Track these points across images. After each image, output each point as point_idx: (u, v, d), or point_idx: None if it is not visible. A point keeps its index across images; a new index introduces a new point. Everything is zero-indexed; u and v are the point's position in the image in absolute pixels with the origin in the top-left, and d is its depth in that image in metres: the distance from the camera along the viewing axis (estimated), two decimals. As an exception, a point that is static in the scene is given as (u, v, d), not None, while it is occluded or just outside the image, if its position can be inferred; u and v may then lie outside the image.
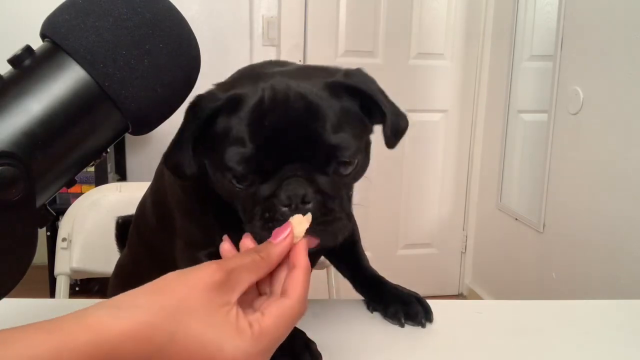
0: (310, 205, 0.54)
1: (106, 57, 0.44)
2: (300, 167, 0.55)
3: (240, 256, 0.51)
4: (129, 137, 2.49)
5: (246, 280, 0.48)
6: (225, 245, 0.55)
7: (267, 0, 2.59)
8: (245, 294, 0.49)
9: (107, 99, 0.45)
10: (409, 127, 0.64)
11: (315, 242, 0.55)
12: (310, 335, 0.66)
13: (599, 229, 1.92)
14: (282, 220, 0.54)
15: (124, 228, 1.02)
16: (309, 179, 0.55)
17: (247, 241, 0.55)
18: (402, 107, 0.64)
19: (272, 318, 0.46)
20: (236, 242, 0.62)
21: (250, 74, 0.62)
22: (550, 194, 2.21)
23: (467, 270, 2.96)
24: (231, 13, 2.64)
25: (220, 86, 0.61)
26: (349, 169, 0.57)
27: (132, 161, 2.73)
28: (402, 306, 0.75)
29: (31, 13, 2.04)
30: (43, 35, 0.46)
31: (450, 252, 2.95)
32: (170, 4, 0.49)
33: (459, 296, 2.96)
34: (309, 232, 0.54)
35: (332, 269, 1.19)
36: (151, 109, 0.48)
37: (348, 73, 0.61)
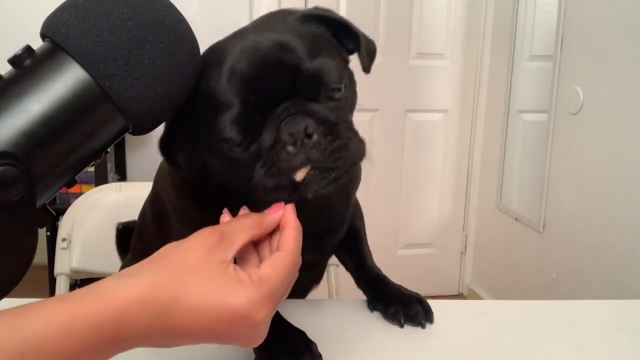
0: (315, 137, 0.52)
1: (106, 57, 0.44)
2: (292, 105, 0.53)
3: (234, 220, 0.53)
4: (129, 137, 2.49)
5: (239, 239, 0.50)
6: (225, 217, 0.55)
7: (267, 0, 2.59)
8: (245, 260, 0.52)
9: (107, 99, 0.45)
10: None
11: (329, 170, 0.53)
12: (310, 335, 0.66)
13: (599, 229, 1.92)
14: (288, 160, 0.52)
15: (125, 234, 1.02)
16: (305, 112, 0.53)
17: (243, 212, 0.55)
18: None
19: (269, 267, 0.49)
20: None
21: (213, 46, 0.59)
22: (550, 194, 2.21)
23: (467, 270, 2.96)
24: (231, 13, 2.64)
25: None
26: (340, 93, 0.55)
27: (132, 161, 2.73)
28: (402, 307, 0.75)
29: (31, 13, 2.04)
30: (43, 36, 0.46)
31: (450, 252, 2.95)
32: (170, 4, 0.49)
33: (459, 296, 2.96)
34: (326, 162, 0.52)
35: (332, 269, 1.19)
36: (151, 109, 0.48)
37: (314, 7, 0.60)
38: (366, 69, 0.62)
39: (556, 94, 2.14)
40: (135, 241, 0.93)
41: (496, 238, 2.71)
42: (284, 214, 0.54)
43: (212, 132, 0.53)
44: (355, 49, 0.61)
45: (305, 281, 0.85)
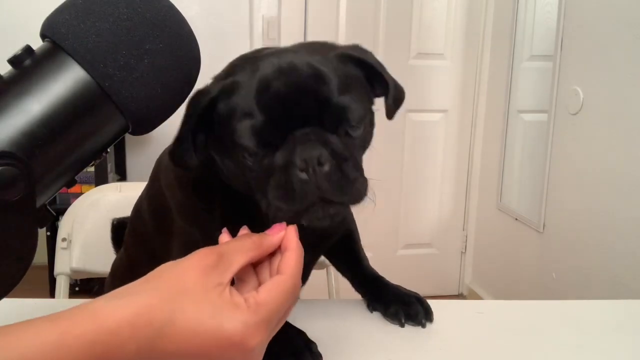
0: (327, 167, 0.54)
1: (106, 57, 0.44)
2: (311, 131, 0.55)
3: (233, 240, 0.52)
4: (129, 137, 2.49)
5: (238, 261, 0.49)
6: (224, 237, 0.55)
7: (267, 0, 2.59)
8: (243, 282, 0.51)
9: (107, 99, 0.45)
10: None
11: (333, 202, 0.55)
12: (310, 335, 0.66)
13: (599, 229, 1.92)
14: (300, 185, 0.53)
15: (120, 229, 1.02)
16: (322, 141, 0.54)
17: (243, 232, 0.55)
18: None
19: (267, 291, 0.48)
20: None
21: (246, 57, 0.62)
22: (550, 194, 2.21)
23: (467, 270, 2.96)
24: (231, 13, 2.64)
25: (216, 77, 0.61)
26: (358, 132, 0.58)
27: (132, 161, 2.73)
28: (402, 306, 0.75)
29: (31, 13, 2.04)
30: (43, 36, 0.46)
31: (450, 252, 2.95)
32: (170, 4, 0.49)
33: (459, 296, 2.96)
34: (327, 192, 0.54)
35: (332, 269, 1.19)
36: (151, 108, 0.48)
37: (354, 46, 0.63)
38: (390, 116, 0.65)
39: (556, 94, 2.14)
40: (128, 236, 0.93)
41: (496, 238, 2.71)
42: (286, 235, 0.53)
43: (231, 135, 0.55)
44: (384, 94, 0.64)
45: None
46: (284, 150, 0.54)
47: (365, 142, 0.61)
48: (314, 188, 0.53)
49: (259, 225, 0.58)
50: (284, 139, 0.55)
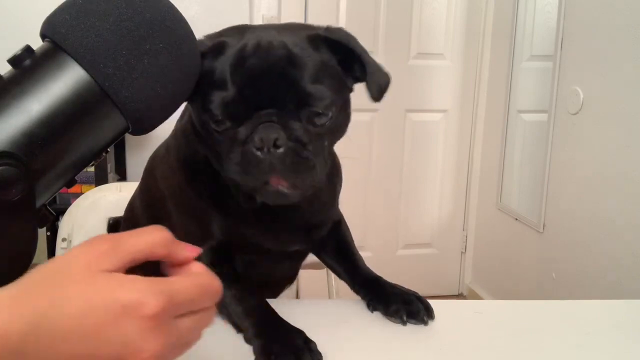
0: (282, 150, 0.56)
1: (106, 57, 0.44)
2: (275, 113, 0.57)
3: (141, 229, 0.45)
4: (129, 137, 2.49)
5: (134, 253, 0.42)
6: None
7: (267, 0, 2.59)
8: None
9: (107, 99, 0.45)
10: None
11: (284, 183, 0.58)
12: (310, 335, 0.66)
13: (599, 229, 1.92)
14: (254, 162, 0.57)
15: (116, 229, 1.02)
16: (283, 125, 0.57)
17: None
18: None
19: (177, 276, 0.43)
20: (234, 224, 0.67)
21: (238, 27, 0.65)
22: (550, 194, 2.21)
23: (467, 270, 2.96)
24: (231, 13, 2.64)
25: (208, 36, 0.63)
26: (323, 120, 0.59)
27: (132, 161, 2.73)
28: (403, 304, 0.75)
29: (31, 13, 2.04)
30: (43, 36, 0.46)
31: (450, 252, 2.95)
32: (170, 4, 0.49)
33: (459, 296, 2.96)
34: (279, 172, 0.57)
35: (332, 269, 1.19)
36: (151, 108, 0.48)
37: (330, 28, 0.63)
38: (375, 98, 0.64)
39: (556, 94, 2.14)
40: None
41: (496, 238, 2.71)
42: (193, 262, 0.46)
43: (204, 98, 0.58)
44: (364, 77, 0.63)
45: (279, 278, 0.87)
46: (247, 126, 0.57)
47: (336, 129, 0.63)
48: (267, 167, 0.57)
49: (249, 210, 0.65)
50: (249, 116, 0.57)
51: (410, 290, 0.78)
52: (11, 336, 0.37)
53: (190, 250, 0.46)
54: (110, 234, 0.44)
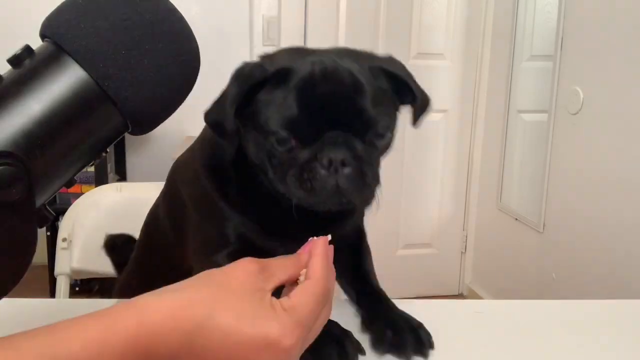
0: (348, 170, 0.59)
1: (106, 57, 0.44)
2: (341, 135, 0.59)
3: (273, 258, 0.54)
4: (129, 137, 2.49)
5: (279, 276, 0.51)
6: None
7: (267, 0, 2.59)
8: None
9: (106, 99, 0.45)
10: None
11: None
12: (310, 335, 0.65)
13: (599, 229, 1.92)
14: (320, 182, 0.59)
15: (115, 247, 1.02)
16: (349, 146, 0.59)
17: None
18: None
19: (297, 296, 0.49)
20: (251, 238, 0.67)
21: (296, 50, 0.68)
22: (550, 194, 2.21)
23: (467, 270, 2.96)
24: (231, 13, 2.64)
25: (267, 58, 0.65)
26: (381, 142, 0.63)
27: (132, 161, 2.73)
28: (390, 333, 0.67)
29: (31, 13, 2.04)
30: (43, 35, 0.46)
31: (450, 252, 2.95)
32: (170, 4, 0.49)
33: (459, 296, 2.96)
34: (343, 191, 0.59)
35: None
36: (151, 109, 0.48)
37: (390, 61, 0.67)
38: (416, 123, 0.69)
39: (556, 94, 2.14)
40: (141, 247, 0.91)
41: (496, 238, 2.71)
42: (313, 242, 0.55)
43: (265, 119, 0.60)
44: (410, 102, 0.68)
45: None
46: (311, 148, 0.59)
47: (386, 150, 0.66)
48: (334, 185, 0.59)
49: (274, 217, 0.66)
50: (315, 138, 0.59)
51: (413, 319, 0.70)
52: (169, 344, 0.42)
53: (306, 251, 0.54)
54: (252, 258, 0.51)
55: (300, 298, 0.48)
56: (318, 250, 0.53)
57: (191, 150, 0.78)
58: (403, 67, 0.68)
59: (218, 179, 0.70)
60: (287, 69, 0.61)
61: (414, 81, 0.67)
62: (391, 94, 0.66)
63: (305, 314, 0.47)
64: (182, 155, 0.81)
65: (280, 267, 0.52)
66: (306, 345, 0.49)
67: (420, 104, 0.68)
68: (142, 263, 0.92)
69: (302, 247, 0.56)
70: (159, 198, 0.86)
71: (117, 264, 1.04)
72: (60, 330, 0.40)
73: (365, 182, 0.61)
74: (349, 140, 0.60)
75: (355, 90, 0.61)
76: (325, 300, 0.50)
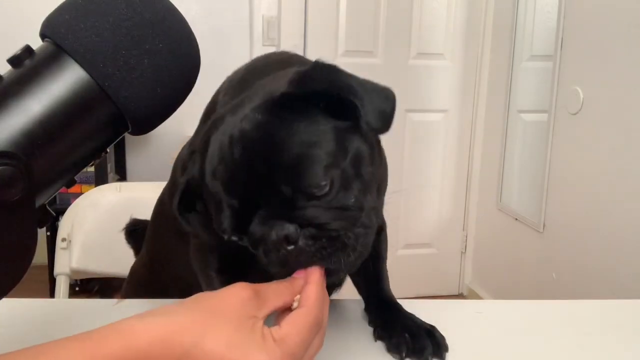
0: (300, 243, 0.51)
1: (106, 57, 0.44)
2: (271, 210, 0.52)
3: (267, 283, 0.52)
4: (129, 137, 2.49)
5: (273, 302, 0.49)
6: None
7: (267, 0, 2.59)
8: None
9: (107, 99, 0.45)
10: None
11: (321, 269, 0.53)
12: (310, 335, 0.65)
13: (599, 228, 1.92)
14: (284, 262, 0.53)
15: (134, 231, 1.01)
16: (289, 217, 0.51)
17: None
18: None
19: (289, 325, 0.48)
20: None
21: (214, 118, 0.59)
22: (550, 194, 2.21)
23: (467, 270, 2.96)
24: (231, 13, 2.64)
25: (189, 146, 0.61)
26: (324, 189, 0.52)
27: (132, 161, 2.73)
28: (407, 338, 0.67)
29: (31, 13, 2.04)
30: (43, 35, 0.46)
31: (450, 252, 2.95)
32: (170, 4, 0.49)
33: (459, 296, 2.96)
34: (311, 264, 0.53)
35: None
36: (151, 108, 0.48)
37: (298, 78, 0.54)
38: (379, 132, 0.56)
39: (556, 94, 2.14)
40: (150, 233, 0.91)
41: (496, 238, 2.71)
42: (309, 270, 0.53)
43: (213, 212, 0.55)
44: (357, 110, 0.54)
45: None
46: (256, 227, 0.53)
47: (349, 182, 0.54)
48: (294, 263, 0.52)
49: None
50: (250, 220, 0.53)
51: (426, 323, 0.70)
52: None
53: (302, 275, 0.52)
54: (246, 283, 0.49)
55: (291, 328, 0.47)
56: (313, 278, 0.52)
57: (189, 143, 0.74)
58: (329, 75, 0.54)
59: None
60: (195, 173, 0.56)
61: (352, 86, 0.53)
62: (319, 120, 0.53)
63: (295, 344, 0.47)
64: (183, 148, 0.78)
65: (274, 293, 0.50)
66: None
67: (370, 109, 0.53)
68: (149, 249, 0.91)
69: (297, 272, 0.54)
70: (166, 184, 0.85)
71: (136, 249, 1.02)
72: (43, 354, 0.40)
73: (334, 242, 0.52)
74: (284, 210, 0.51)
75: (253, 152, 0.52)
76: (317, 329, 0.50)
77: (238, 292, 0.48)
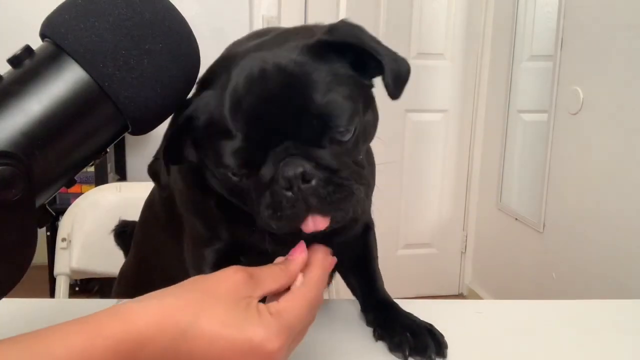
0: (314, 182, 0.51)
1: (106, 57, 0.44)
2: (293, 145, 0.51)
3: (262, 267, 0.52)
4: (129, 137, 2.49)
5: (267, 285, 0.49)
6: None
7: (267, 0, 2.59)
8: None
9: (106, 99, 0.45)
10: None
11: (325, 221, 0.52)
12: (309, 335, 0.65)
13: (599, 228, 1.92)
14: (287, 203, 0.52)
15: (123, 233, 1.01)
16: (306, 155, 0.51)
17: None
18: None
19: (288, 301, 0.48)
20: (239, 234, 0.63)
21: (227, 57, 0.58)
22: (550, 194, 2.21)
23: (467, 270, 2.96)
24: (231, 13, 2.64)
25: (199, 81, 0.57)
26: (347, 136, 0.53)
27: (132, 161, 2.73)
28: (409, 337, 0.67)
29: (31, 13, 2.04)
30: (43, 35, 0.46)
31: (450, 252, 2.95)
32: (170, 4, 0.49)
33: (459, 296, 2.96)
34: (318, 210, 0.52)
35: (332, 269, 1.19)
36: (151, 108, 0.48)
37: (332, 29, 0.56)
38: (394, 95, 0.57)
39: (556, 94, 2.14)
40: (138, 231, 0.90)
41: (496, 238, 2.71)
42: (311, 250, 0.53)
43: (214, 151, 0.53)
44: (380, 71, 0.57)
45: None
46: (269, 166, 0.52)
47: (364, 137, 0.57)
48: (302, 205, 0.51)
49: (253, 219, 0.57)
50: (265, 156, 0.52)
51: (424, 321, 0.70)
52: (154, 350, 0.42)
53: (298, 254, 0.53)
54: (240, 266, 0.49)
55: (289, 303, 0.48)
56: (317, 258, 0.52)
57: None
58: (357, 30, 0.57)
59: (197, 179, 0.65)
60: (205, 99, 0.54)
61: (375, 45, 0.56)
62: (350, 73, 0.55)
63: (294, 319, 0.47)
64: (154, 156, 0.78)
65: (269, 275, 0.50)
66: (292, 350, 0.49)
67: (390, 69, 0.56)
68: (137, 248, 0.91)
69: (292, 251, 0.53)
70: (153, 188, 0.85)
71: (125, 250, 1.02)
72: (43, 337, 0.40)
73: (341, 193, 0.52)
74: (305, 148, 0.51)
75: (290, 87, 0.51)
76: (315, 308, 0.50)
77: (232, 275, 0.48)
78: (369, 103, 0.58)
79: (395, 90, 0.57)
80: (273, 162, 0.52)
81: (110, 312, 0.43)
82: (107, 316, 0.43)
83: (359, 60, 0.56)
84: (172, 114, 0.55)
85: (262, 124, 0.51)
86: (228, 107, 0.52)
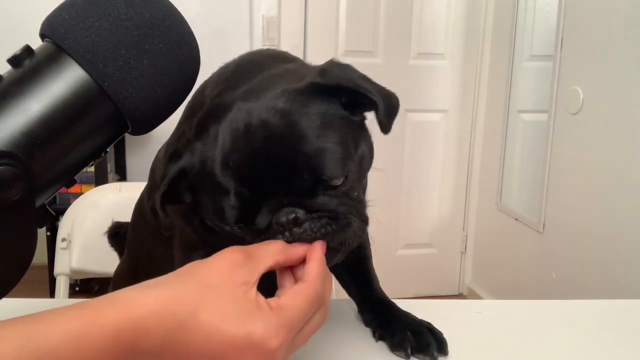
0: (306, 224, 0.52)
1: (106, 57, 0.44)
2: (285, 198, 0.52)
3: (260, 243, 0.52)
4: (129, 137, 2.49)
5: (265, 263, 0.49)
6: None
7: (267, 0, 2.59)
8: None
9: (106, 99, 0.45)
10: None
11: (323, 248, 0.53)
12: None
13: (599, 229, 1.92)
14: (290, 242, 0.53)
15: (117, 235, 1.01)
16: (299, 204, 0.52)
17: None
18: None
19: (288, 297, 0.48)
20: (230, 242, 0.61)
21: (214, 108, 0.57)
22: (550, 194, 2.21)
23: (467, 270, 2.96)
24: (231, 13, 2.64)
25: (185, 135, 0.57)
26: (341, 181, 0.53)
27: (132, 161, 2.73)
28: (410, 335, 0.67)
29: (31, 13, 2.04)
30: (42, 35, 0.46)
31: (450, 252, 2.95)
32: (170, 4, 0.49)
33: (459, 296, 2.96)
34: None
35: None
36: (151, 108, 0.48)
37: (323, 71, 0.56)
38: (385, 130, 0.58)
39: (556, 94, 2.14)
40: (130, 235, 0.91)
41: (496, 238, 2.71)
42: (312, 246, 0.53)
43: (208, 204, 0.55)
44: (373, 108, 0.57)
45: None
46: (262, 216, 0.53)
47: (359, 176, 0.58)
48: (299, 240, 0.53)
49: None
50: (259, 209, 0.53)
51: (423, 320, 0.70)
52: (153, 340, 0.42)
53: (302, 251, 0.52)
54: (238, 247, 0.49)
55: (290, 299, 0.47)
56: (315, 254, 0.52)
57: (166, 145, 0.73)
58: (347, 73, 0.57)
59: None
60: (199, 158, 0.54)
61: (367, 85, 0.56)
62: (342, 113, 0.55)
63: (294, 316, 0.46)
64: (160, 150, 0.77)
65: (266, 252, 0.50)
66: (295, 349, 0.48)
67: (382, 107, 0.56)
68: (130, 252, 0.91)
69: (292, 244, 0.53)
70: (144, 188, 0.84)
71: (119, 252, 1.02)
72: (42, 321, 0.40)
73: (335, 226, 0.53)
74: (297, 200, 0.52)
75: (275, 138, 0.51)
76: (318, 304, 0.49)
77: (228, 257, 0.48)
78: (362, 137, 0.59)
79: (388, 125, 0.58)
80: (266, 213, 0.53)
81: (110, 298, 0.43)
82: (107, 303, 0.43)
83: (350, 99, 0.56)
84: (165, 162, 0.56)
85: (252, 180, 0.52)
86: (218, 165, 0.53)
